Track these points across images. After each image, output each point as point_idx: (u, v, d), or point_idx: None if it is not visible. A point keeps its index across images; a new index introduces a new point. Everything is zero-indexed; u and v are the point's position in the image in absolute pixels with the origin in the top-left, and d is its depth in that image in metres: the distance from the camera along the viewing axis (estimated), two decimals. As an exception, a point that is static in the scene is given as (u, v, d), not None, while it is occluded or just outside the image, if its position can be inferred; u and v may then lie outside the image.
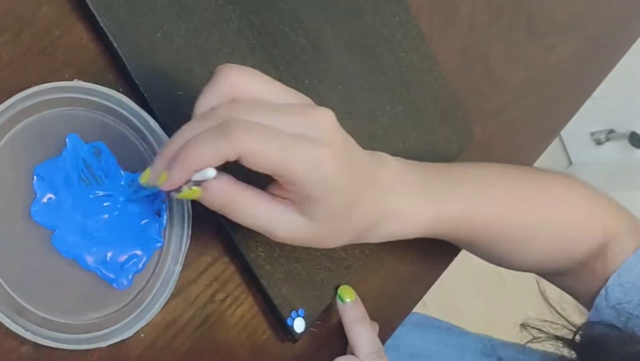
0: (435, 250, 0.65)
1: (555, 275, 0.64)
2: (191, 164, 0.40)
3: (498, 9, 0.76)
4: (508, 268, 0.62)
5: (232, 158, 0.40)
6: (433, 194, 0.52)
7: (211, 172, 0.41)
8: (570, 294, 0.65)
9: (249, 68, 0.43)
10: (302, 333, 0.55)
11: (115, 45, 0.48)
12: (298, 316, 0.55)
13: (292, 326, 0.54)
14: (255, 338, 0.54)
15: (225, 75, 0.42)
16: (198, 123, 0.41)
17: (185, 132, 0.41)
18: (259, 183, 0.45)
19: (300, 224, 0.44)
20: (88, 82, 0.46)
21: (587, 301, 0.62)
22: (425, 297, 0.67)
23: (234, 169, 0.43)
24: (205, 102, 0.42)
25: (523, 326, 0.59)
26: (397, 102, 0.64)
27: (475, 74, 0.74)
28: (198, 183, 0.42)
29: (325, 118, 0.43)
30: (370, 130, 0.62)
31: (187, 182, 0.41)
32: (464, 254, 0.66)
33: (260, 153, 0.40)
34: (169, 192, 0.43)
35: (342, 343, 0.59)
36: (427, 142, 0.66)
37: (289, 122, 0.41)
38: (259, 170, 0.41)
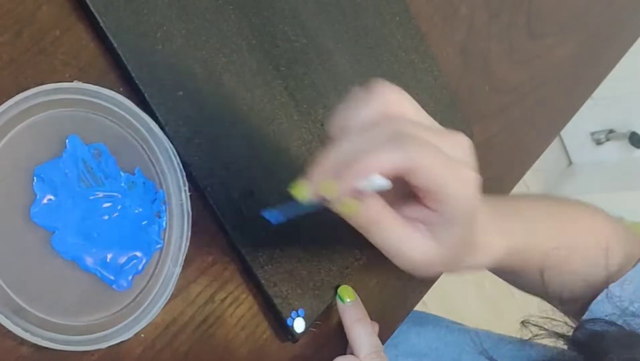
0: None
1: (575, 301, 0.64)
2: (366, 169, 0.40)
3: (498, 9, 0.76)
4: (536, 294, 0.63)
5: (402, 171, 0.41)
6: (503, 228, 0.52)
7: (382, 181, 0.40)
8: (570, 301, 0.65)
9: (400, 88, 0.43)
10: (302, 333, 0.55)
11: (115, 45, 0.48)
12: (298, 316, 0.55)
13: (292, 326, 0.54)
14: (255, 338, 0.54)
15: (382, 92, 0.43)
16: (364, 133, 0.41)
17: (346, 144, 0.41)
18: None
19: (428, 248, 0.44)
20: (88, 82, 0.46)
21: (582, 306, 0.62)
22: (425, 297, 0.68)
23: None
24: (361, 114, 0.42)
25: (523, 323, 0.59)
26: None
27: (475, 74, 0.74)
28: (359, 197, 0.41)
29: (467, 143, 0.44)
30: None
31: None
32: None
33: (428, 168, 0.41)
34: (323, 202, 0.42)
35: (342, 343, 0.59)
36: None
37: (444, 143, 0.42)
38: (419, 184, 0.42)
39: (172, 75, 0.50)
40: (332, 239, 0.58)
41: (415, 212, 0.44)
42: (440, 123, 0.66)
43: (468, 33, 0.73)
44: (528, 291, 0.63)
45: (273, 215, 0.47)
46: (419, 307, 0.68)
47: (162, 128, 0.49)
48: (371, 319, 0.58)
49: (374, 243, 0.44)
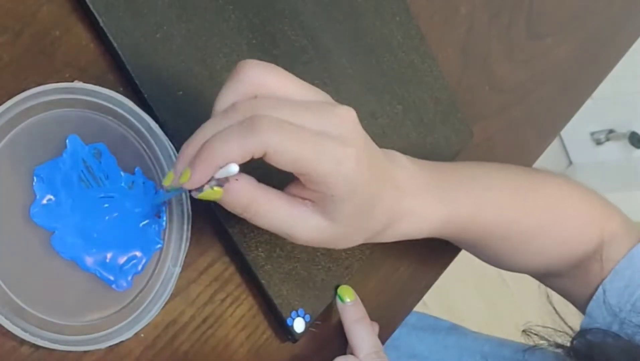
0: (435, 250, 0.65)
1: (551, 276, 0.64)
2: (216, 160, 0.39)
3: (498, 9, 0.76)
4: (506, 269, 0.62)
5: (257, 155, 0.40)
6: (442, 195, 0.52)
7: (234, 168, 0.40)
8: (566, 297, 0.65)
9: (269, 64, 0.42)
10: (302, 333, 0.55)
11: (115, 45, 0.48)
12: (298, 316, 0.55)
13: (292, 326, 0.54)
14: (255, 338, 0.54)
15: (247, 71, 0.42)
16: (220, 119, 0.41)
17: (206, 129, 0.41)
18: (274, 184, 0.44)
19: (321, 225, 0.44)
20: (88, 82, 0.46)
21: (582, 305, 0.62)
22: (425, 297, 0.67)
23: (250, 170, 0.42)
24: (226, 98, 0.42)
25: (525, 332, 0.59)
26: (397, 102, 0.64)
27: (475, 74, 0.74)
28: (220, 184, 0.41)
29: (347, 117, 0.43)
30: (370, 131, 0.61)
31: (210, 180, 0.41)
32: (464, 254, 0.66)
33: (286, 150, 0.39)
34: (190, 192, 0.42)
35: (342, 343, 0.59)
36: (427, 142, 0.66)
37: (312, 120, 0.41)
38: (283, 168, 0.41)
39: (172, 75, 0.50)
40: None
41: (298, 190, 0.43)
42: (440, 123, 0.67)
43: (468, 33, 0.73)
44: (498, 266, 0.62)
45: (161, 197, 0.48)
46: (419, 307, 0.68)
47: (162, 128, 0.49)
48: (371, 319, 0.58)
49: (257, 225, 0.43)
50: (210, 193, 0.41)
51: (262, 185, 0.43)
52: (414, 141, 0.65)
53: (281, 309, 0.54)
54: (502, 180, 0.59)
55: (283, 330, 0.55)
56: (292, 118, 0.40)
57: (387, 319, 0.63)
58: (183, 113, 0.50)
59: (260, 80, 0.42)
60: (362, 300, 0.58)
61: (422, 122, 0.65)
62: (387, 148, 0.63)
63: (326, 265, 0.57)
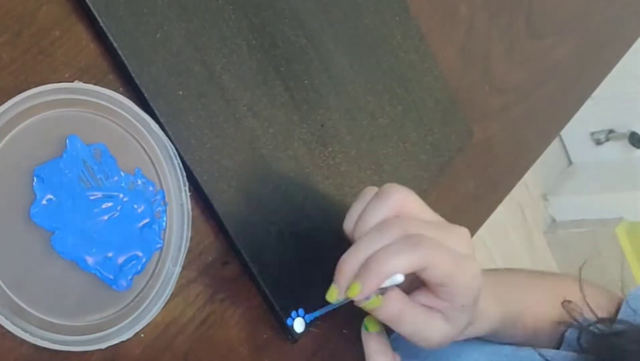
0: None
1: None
2: (387, 272, 0.45)
3: (498, 9, 0.76)
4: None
5: (418, 269, 0.46)
6: (497, 296, 0.57)
7: (400, 278, 0.46)
8: None
9: (409, 189, 0.49)
10: (302, 333, 0.55)
11: (115, 45, 0.48)
12: (298, 316, 0.55)
13: (292, 326, 0.54)
14: (255, 338, 0.54)
15: (395, 194, 0.48)
16: (378, 236, 0.47)
17: (365, 245, 0.47)
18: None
19: (446, 331, 0.50)
20: (88, 82, 0.46)
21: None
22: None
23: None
24: (378, 215, 0.48)
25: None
26: (397, 102, 0.64)
27: (475, 74, 0.74)
28: (382, 292, 0.47)
29: (467, 235, 0.50)
30: (370, 130, 0.62)
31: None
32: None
33: (440, 266, 0.46)
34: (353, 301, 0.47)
35: (342, 343, 0.59)
36: (427, 142, 0.66)
37: (447, 237, 0.48)
38: (432, 280, 0.47)
39: (172, 75, 0.50)
40: (333, 239, 0.58)
41: (429, 300, 0.49)
42: (440, 123, 0.67)
43: (468, 33, 0.73)
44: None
45: (313, 315, 0.53)
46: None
47: (162, 128, 0.49)
48: (371, 319, 0.58)
49: (397, 330, 0.49)
50: (375, 300, 0.47)
51: (405, 295, 0.49)
52: (414, 141, 0.65)
53: (281, 309, 0.54)
54: (530, 280, 0.67)
55: (283, 330, 0.55)
56: (438, 236, 0.47)
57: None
58: (183, 114, 0.50)
59: (404, 203, 0.48)
60: (362, 300, 0.58)
61: (422, 122, 0.65)
62: (387, 148, 0.63)
63: (327, 266, 0.57)
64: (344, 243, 0.59)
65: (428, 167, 0.66)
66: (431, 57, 0.67)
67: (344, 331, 0.58)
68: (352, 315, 0.60)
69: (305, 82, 0.58)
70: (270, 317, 0.55)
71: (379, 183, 0.61)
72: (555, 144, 2.44)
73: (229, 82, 0.53)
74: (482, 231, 0.74)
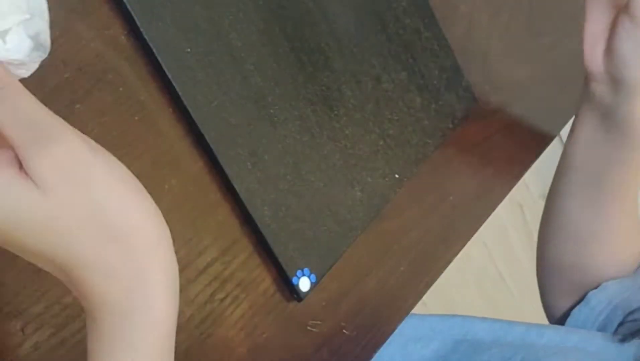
0: (435, 251, 0.65)
1: None
2: None
3: (497, 8, 0.76)
4: None
5: None
6: None
7: None
8: None
9: None
10: (307, 292, 0.55)
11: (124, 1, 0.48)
12: (303, 275, 0.55)
13: (297, 285, 0.55)
14: (255, 337, 0.54)
15: None
16: None
17: None
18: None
19: None
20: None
21: None
22: (425, 297, 0.67)
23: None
24: None
25: None
26: (402, 67, 0.64)
27: (475, 72, 0.74)
28: None
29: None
30: (374, 95, 0.62)
31: None
32: (463, 254, 0.66)
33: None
34: None
35: (342, 343, 0.59)
36: (432, 108, 0.66)
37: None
38: None
39: (180, 30, 0.50)
40: (335, 201, 0.58)
41: None
42: (445, 90, 0.67)
43: (468, 31, 0.73)
44: None
45: None
46: (418, 307, 0.68)
47: (171, 84, 0.49)
48: (371, 320, 0.58)
49: None
50: None
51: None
52: (418, 106, 0.65)
53: (286, 267, 0.54)
54: None
55: (289, 289, 0.55)
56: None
57: (387, 319, 0.63)
58: (190, 70, 0.51)
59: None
60: (362, 300, 0.58)
61: (427, 88, 0.65)
62: (391, 112, 0.63)
63: (331, 227, 0.58)
64: (345, 205, 0.59)
65: (433, 133, 0.66)
66: (437, 26, 0.66)
67: (344, 331, 0.58)
68: (353, 314, 0.60)
69: (311, 44, 0.58)
70: (271, 317, 0.55)
71: (384, 147, 0.61)
72: (555, 144, 2.44)
73: (236, 40, 0.53)
74: (482, 231, 0.74)
